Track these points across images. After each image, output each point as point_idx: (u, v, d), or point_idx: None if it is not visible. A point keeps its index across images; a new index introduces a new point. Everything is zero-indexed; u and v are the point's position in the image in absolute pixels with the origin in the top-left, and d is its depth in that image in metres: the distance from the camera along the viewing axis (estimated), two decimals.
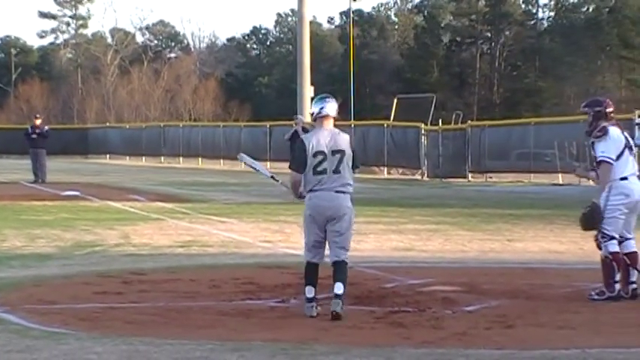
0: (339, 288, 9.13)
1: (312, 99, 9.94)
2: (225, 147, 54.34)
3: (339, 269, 9.27)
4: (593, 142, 10.08)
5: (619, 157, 9.94)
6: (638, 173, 10.08)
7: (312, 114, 9.66)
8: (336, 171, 9.25)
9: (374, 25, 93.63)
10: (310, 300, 9.21)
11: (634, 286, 10.01)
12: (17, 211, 21.63)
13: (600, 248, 10.03)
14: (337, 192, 9.26)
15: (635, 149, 10.34)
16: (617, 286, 9.89)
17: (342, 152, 9.27)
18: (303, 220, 9.49)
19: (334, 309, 9.02)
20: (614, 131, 10.04)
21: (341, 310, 9.02)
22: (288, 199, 10.25)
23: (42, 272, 12.20)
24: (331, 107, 9.48)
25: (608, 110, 10.11)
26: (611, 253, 9.90)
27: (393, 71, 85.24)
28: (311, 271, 9.31)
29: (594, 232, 10.06)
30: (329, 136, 9.34)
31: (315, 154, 9.25)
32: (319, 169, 9.24)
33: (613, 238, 9.90)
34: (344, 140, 9.38)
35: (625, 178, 9.93)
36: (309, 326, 8.69)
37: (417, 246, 15.24)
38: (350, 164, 9.33)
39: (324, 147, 9.26)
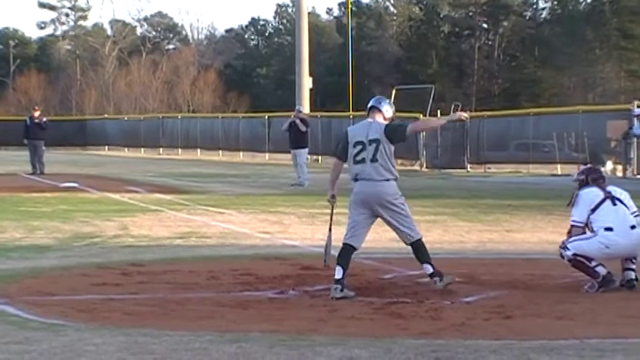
0: (427, 269, 9.76)
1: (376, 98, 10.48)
2: (224, 138, 54.39)
3: (417, 250, 9.80)
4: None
5: (595, 210, 9.99)
6: (633, 220, 10.00)
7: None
8: (374, 159, 9.66)
9: (372, 16, 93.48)
10: (337, 281, 9.48)
11: (631, 275, 10.01)
12: (16, 202, 21.62)
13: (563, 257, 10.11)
14: (378, 181, 9.68)
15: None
16: (600, 269, 9.89)
17: (377, 141, 9.68)
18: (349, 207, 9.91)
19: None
20: (585, 193, 10.11)
21: (438, 287, 9.66)
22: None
23: (41, 264, 12.19)
24: (377, 101, 10.10)
25: (591, 177, 10.26)
26: (574, 255, 9.95)
27: (392, 62, 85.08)
28: (344, 252, 9.68)
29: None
30: (368, 127, 9.81)
31: (354, 144, 9.73)
32: (358, 158, 9.70)
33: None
34: (377, 129, 9.74)
35: (609, 229, 9.90)
36: (308, 317, 8.68)
37: None
38: (389, 152, 9.69)
39: (362, 137, 9.73)
